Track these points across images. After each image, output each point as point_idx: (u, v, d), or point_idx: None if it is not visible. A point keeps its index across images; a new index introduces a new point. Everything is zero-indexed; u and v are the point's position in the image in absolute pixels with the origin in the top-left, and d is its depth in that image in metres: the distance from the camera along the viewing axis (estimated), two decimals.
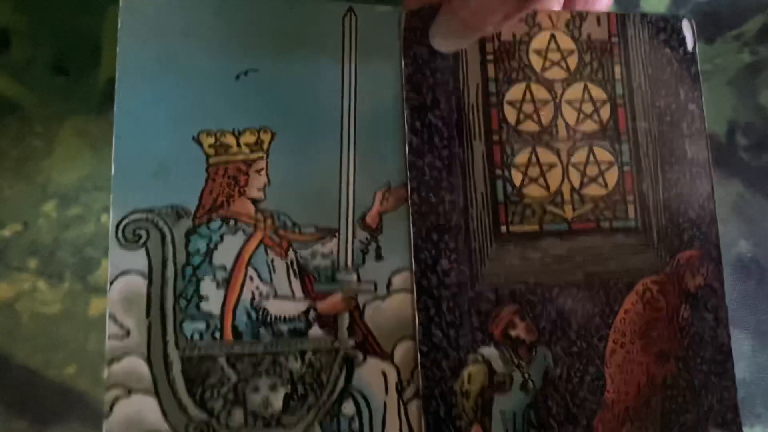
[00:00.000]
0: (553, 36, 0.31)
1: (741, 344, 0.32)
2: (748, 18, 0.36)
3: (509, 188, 0.29)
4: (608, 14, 0.31)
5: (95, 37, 0.32)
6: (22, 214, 0.31)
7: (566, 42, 0.31)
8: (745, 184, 0.35)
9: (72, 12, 0.32)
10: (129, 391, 0.25)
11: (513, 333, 0.28)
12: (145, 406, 0.25)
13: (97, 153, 0.32)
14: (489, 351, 0.28)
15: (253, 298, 0.27)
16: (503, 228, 0.29)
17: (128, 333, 0.26)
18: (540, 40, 0.31)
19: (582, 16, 0.31)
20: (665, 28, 0.31)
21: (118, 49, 0.27)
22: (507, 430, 0.27)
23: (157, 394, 0.26)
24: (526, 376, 0.28)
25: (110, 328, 0.26)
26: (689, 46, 0.31)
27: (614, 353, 0.28)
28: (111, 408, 0.25)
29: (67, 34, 0.32)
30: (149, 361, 0.26)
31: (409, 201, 0.28)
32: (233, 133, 0.28)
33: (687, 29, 0.31)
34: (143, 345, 0.26)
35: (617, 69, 0.31)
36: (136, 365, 0.26)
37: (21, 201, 0.31)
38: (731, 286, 0.33)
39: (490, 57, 0.30)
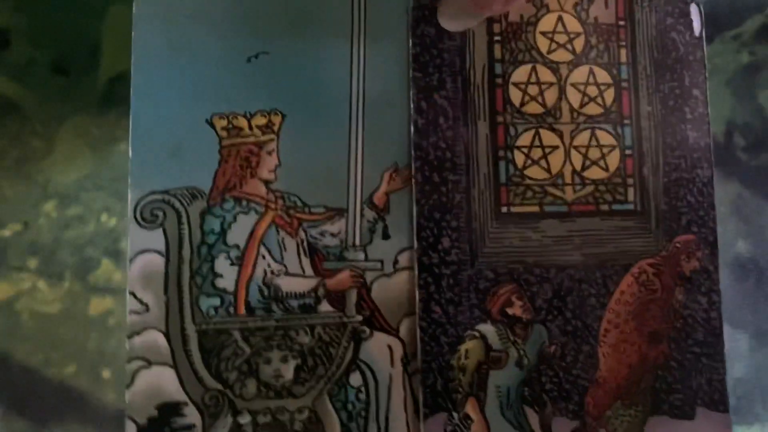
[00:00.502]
0: (560, 18, 0.31)
1: (739, 344, 0.33)
2: (746, 18, 0.36)
3: (511, 169, 0.30)
4: None
5: (95, 37, 0.33)
6: (22, 214, 0.32)
7: (573, 24, 0.31)
8: (743, 185, 0.35)
9: (72, 12, 0.33)
10: (149, 363, 0.27)
11: (510, 311, 0.29)
12: (164, 377, 0.27)
13: (97, 153, 0.32)
14: (486, 328, 0.29)
15: (265, 275, 0.28)
16: (504, 208, 0.30)
17: (147, 308, 0.27)
18: (547, 22, 0.31)
19: None
20: (673, 13, 0.31)
21: (132, 35, 0.27)
22: (501, 404, 0.29)
23: (175, 365, 0.27)
24: (522, 352, 0.29)
25: (130, 303, 0.27)
26: (696, 31, 0.31)
27: (608, 333, 0.29)
28: (132, 378, 0.27)
29: (67, 34, 0.32)
30: (167, 335, 0.27)
31: (413, 180, 0.29)
32: (245, 116, 0.29)
33: (695, 14, 0.31)
34: (162, 319, 0.27)
35: (623, 52, 0.31)
36: (156, 338, 0.27)
37: (21, 201, 0.32)
38: (729, 286, 0.33)
39: (497, 38, 0.31)
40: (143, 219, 0.27)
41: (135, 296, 0.27)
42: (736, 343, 0.33)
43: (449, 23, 0.30)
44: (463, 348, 0.29)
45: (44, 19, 0.32)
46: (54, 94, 0.32)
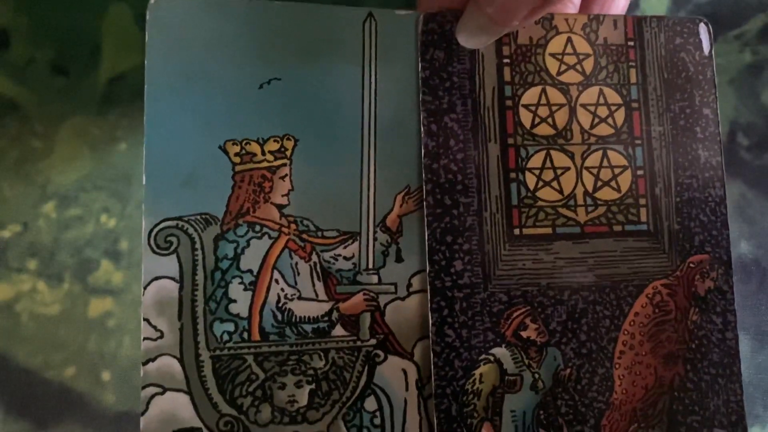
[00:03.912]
0: (569, 39, 0.31)
1: (741, 345, 0.33)
2: (748, 18, 0.36)
3: (523, 191, 0.30)
4: (625, 18, 0.31)
5: (95, 37, 0.32)
6: (22, 215, 0.31)
7: (582, 45, 0.31)
8: (746, 185, 0.35)
9: (72, 12, 0.32)
10: (163, 390, 0.27)
11: (524, 334, 0.29)
12: (178, 403, 0.27)
13: (97, 153, 0.32)
14: (500, 351, 0.29)
15: (278, 300, 0.28)
16: (516, 230, 0.30)
17: (162, 335, 0.27)
18: (556, 44, 0.31)
19: (599, 20, 0.31)
20: (682, 32, 0.31)
21: (146, 62, 0.28)
22: (517, 429, 0.29)
23: (189, 391, 0.27)
24: (536, 376, 0.29)
25: (145, 330, 0.27)
26: (705, 50, 0.31)
27: (623, 355, 0.29)
28: (147, 405, 0.27)
29: (67, 34, 0.32)
30: (182, 361, 0.27)
31: (425, 203, 0.29)
32: (258, 142, 0.29)
33: (704, 33, 0.32)
34: (176, 346, 0.27)
35: (633, 72, 0.31)
36: (170, 365, 0.27)
37: (20, 201, 0.31)
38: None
39: (506, 60, 0.31)
40: (157, 245, 0.28)
41: (149, 323, 0.27)
42: None
43: (467, 40, 0.30)
44: (477, 372, 0.29)
45: (44, 19, 0.32)
46: (54, 94, 0.32)
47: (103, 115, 0.32)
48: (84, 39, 0.32)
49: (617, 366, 0.29)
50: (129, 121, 0.32)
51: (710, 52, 0.31)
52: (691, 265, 0.30)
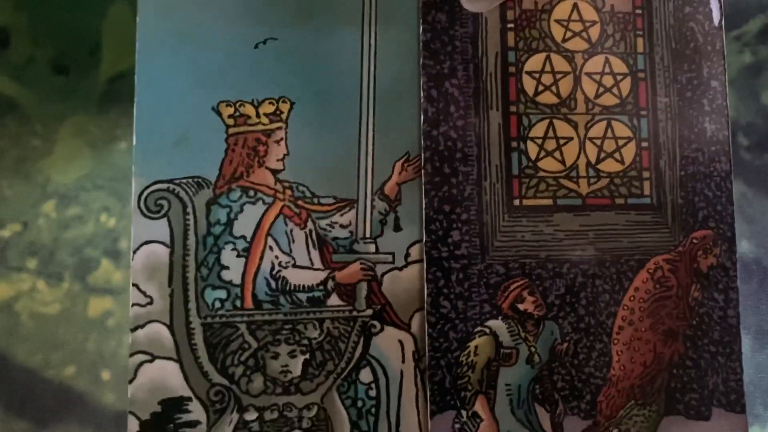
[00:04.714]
0: (575, 5, 0.30)
1: (741, 345, 0.33)
2: (748, 18, 0.36)
3: (524, 161, 0.29)
4: None
5: (95, 36, 0.32)
6: (22, 214, 0.31)
7: (589, 12, 0.30)
8: (747, 184, 0.35)
9: (72, 12, 0.32)
10: (152, 357, 0.26)
11: (521, 307, 0.28)
12: (167, 371, 0.26)
13: (97, 153, 0.32)
14: (496, 324, 0.28)
15: (272, 268, 0.27)
16: (516, 201, 0.29)
17: (151, 301, 0.26)
18: (562, 9, 0.30)
19: None
20: (692, 1, 0.31)
21: (137, 19, 0.26)
22: (511, 403, 0.28)
23: (179, 359, 0.26)
24: (533, 349, 0.28)
25: (134, 295, 0.26)
26: (716, 20, 0.31)
27: (622, 330, 0.29)
28: (135, 373, 0.26)
29: (67, 33, 0.32)
30: (172, 328, 0.26)
31: (422, 171, 0.28)
32: (252, 104, 0.28)
33: (714, 3, 0.31)
34: (166, 312, 0.26)
35: (640, 42, 0.30)
36: (159, 332, 0.26)
37: (20, 201, 0.31)
38: None
39: (510, 25, 0.30)
40: (147, 209, 0.27)
41: (138, 288, 0.26)
42: None
43: (471, 4, 0.29)
44: (472, 344, 0.28)
45: (44, 18, 0.32)
46: (54, 93, 0.32)
47: (103, 114, 0.32)
48: (84, 38, 0.32)
49: (615, 341, 0.29)
50: (129, 120, 0.32)
51: (720, 22, 0.31)
52: (695, 240, 0.30)
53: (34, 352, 0.30)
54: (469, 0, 0.29)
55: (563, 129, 0.30)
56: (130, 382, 0.26)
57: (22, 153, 0.32)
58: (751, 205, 0.34)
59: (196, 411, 0.26)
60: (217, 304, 0.27)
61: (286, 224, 0.28)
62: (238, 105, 0.28)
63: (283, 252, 0.27)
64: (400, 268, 0.28)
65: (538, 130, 0.30)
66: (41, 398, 0.30)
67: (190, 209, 0.27)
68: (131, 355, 0.26)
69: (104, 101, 0.32)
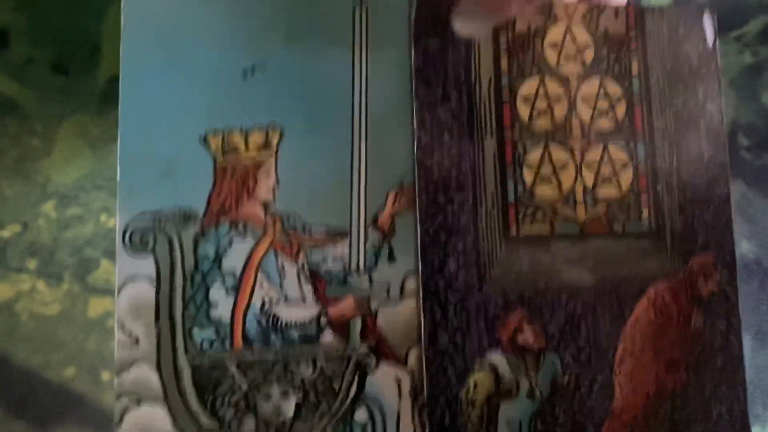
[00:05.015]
0: (569, 29, 0.30)
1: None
2: (749, 19, 0.36)
3: (520, 188, 0.29)
4: (626, 7, 0.30)
5: (95, 37, 0.32)
6: (22, 215, 0.31)
7: (582, 35, 0.30)
8: (747, 185, 0.34)
9: (72, 12, 0.32)
10: (138, 401, 0.25)
11: (521, 339, 0.28)
12: (155, 416, 0.25)
13: (97, 153, 0.31)
14: (496, 357, 0.27)
15: (263, 304, 0.26)
16: (513, 230, 0.28)
17: (137, 341, 0.25)
18: (555, 33, 0.30)
19: (599, 9, 0.30)
20: (685, 23, 0.30)
21: (121, 46, 0.26)
22: None
23: (167, 402, 0.25)
24: (534, 383, 0.28)
25: (119, 335, 0.25)
26: (710, 41, 0.30)
27: (623, 361, 0.28)
28: (121, 418, 0.25)
29: (66, 34, 0.32)
30: (159, 370, 0.25)
31: (417, 200, 0.28)
32: (241, 133, 0.27)
33: (708, 24, 0.30)
34: (152, 353, 0.25)
35: (634, 64, 0.30)
36: (146, 374, 0.25)
37: (20, 201, 0.31)
38: None
39: (503, 49, 0.29)
40: (132, 244, 0.25)
41: (124, 327, 0.25)
42: None
43: (463, 26, 0.28)
44: (471, 380, 0.27)
45: (44, 19, 0.32)
46: (54, 93, 0.32)
47: (102, 115, 0.32)
48: (84, 39, 0.32)
49: (617, 373, 0.28)
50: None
51: (714, 43, 0.30)
52: (694, 266, 0.29)
53: (34, 353, 0.30)
54: (463, 22, 0.28)
55: (559, 154, 0.29)
56: (116, 427, 0.25)
57: (22, 153, 0.31)
58: (751, 205, 0.34)
59: None
60: (206, 344, 0.26)
61: (277, 258, 0.27)
62: (226, 135, 0.27)
63: (274, 287, 0.26)
64: (396, 301, 0.27)
65: (534, 157, 0.29)
66: (41, 399, 0.30)
67: (176, 244, 0.26)
68: (117, 397, 0.25)
69: (104, 101, 0.32)
